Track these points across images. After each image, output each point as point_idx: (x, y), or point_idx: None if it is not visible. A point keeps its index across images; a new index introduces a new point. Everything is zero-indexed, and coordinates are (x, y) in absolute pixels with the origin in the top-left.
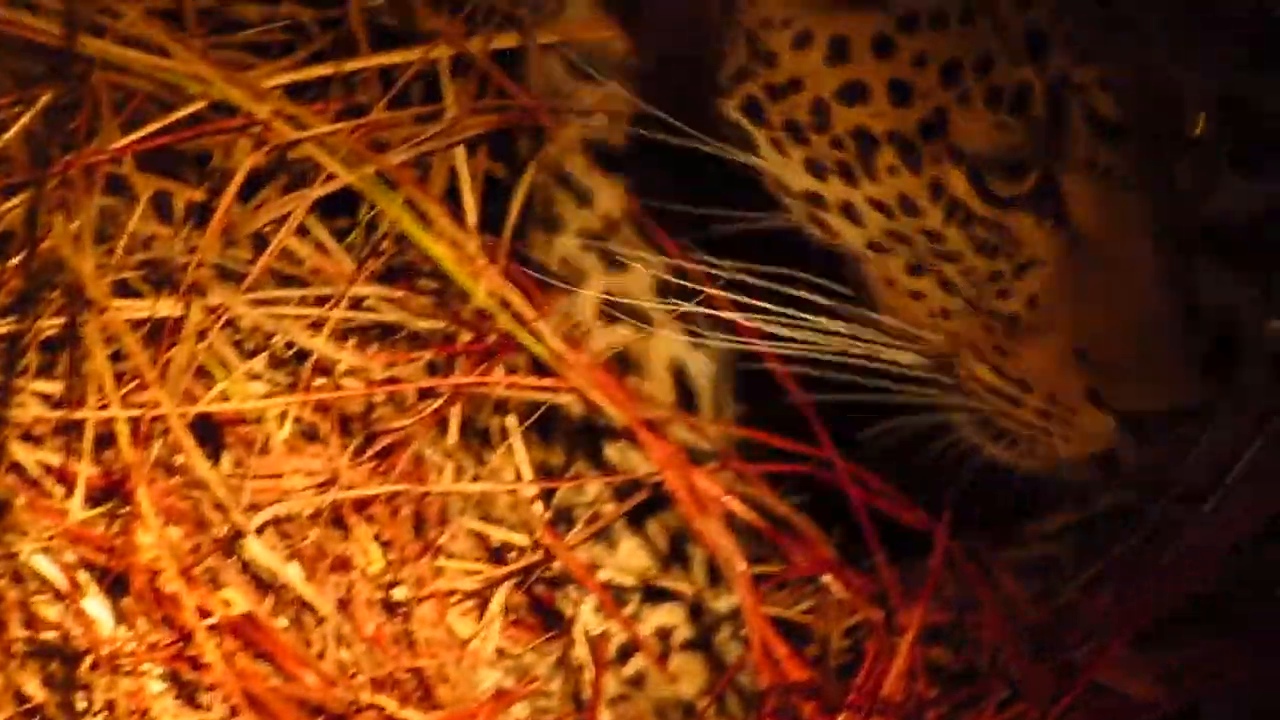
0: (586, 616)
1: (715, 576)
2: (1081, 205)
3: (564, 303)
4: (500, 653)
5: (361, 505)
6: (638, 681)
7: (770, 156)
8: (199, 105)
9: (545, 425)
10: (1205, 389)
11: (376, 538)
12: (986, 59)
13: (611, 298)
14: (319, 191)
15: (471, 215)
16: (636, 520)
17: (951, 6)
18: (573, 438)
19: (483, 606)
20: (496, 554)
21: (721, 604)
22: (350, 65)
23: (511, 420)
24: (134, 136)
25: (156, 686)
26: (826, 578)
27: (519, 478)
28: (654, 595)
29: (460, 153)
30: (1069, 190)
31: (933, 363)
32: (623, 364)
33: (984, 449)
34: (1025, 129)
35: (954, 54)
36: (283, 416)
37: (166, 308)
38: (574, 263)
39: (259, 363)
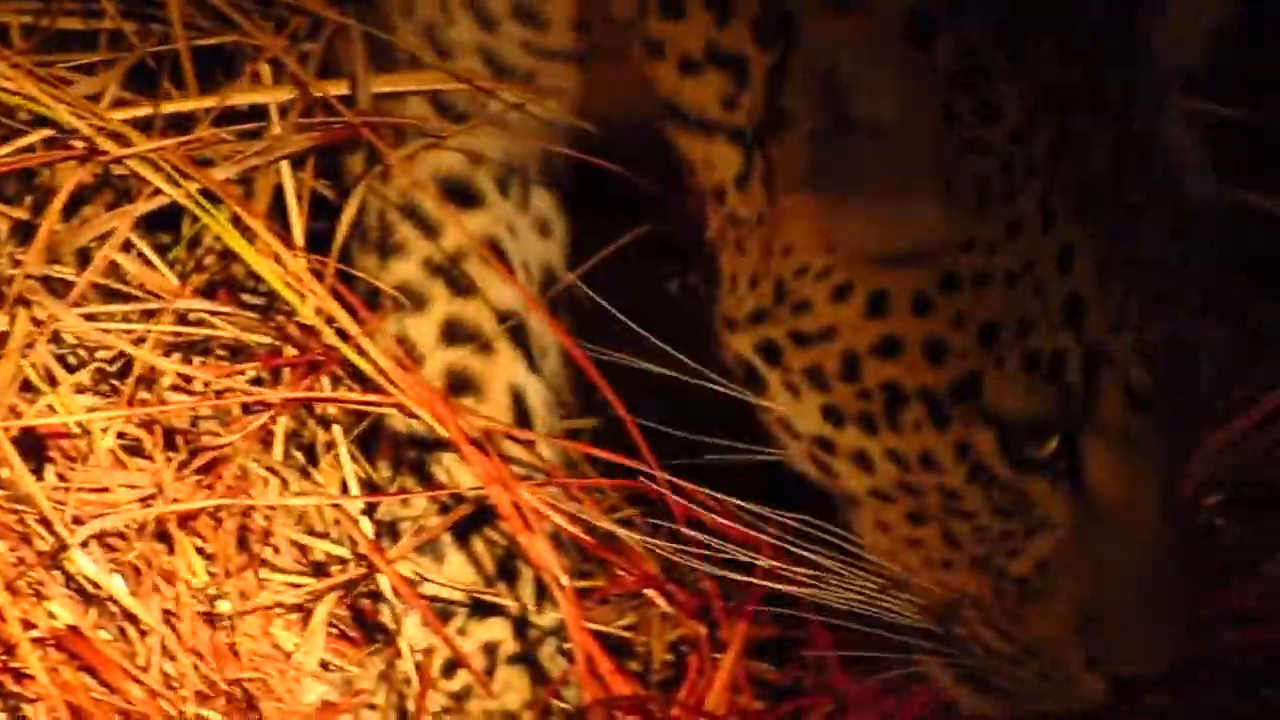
0: (411, 630)
1: (542, 591)
2: (1102, 471)
3: (393, 322)
4: (325, 665)
5: (186, 519)
6: (463, 695)
7: (781, 397)
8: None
9: (371, 440)
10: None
11: (200, 551)
12: (1025, 323)
13: (453, 321)
14: (144, 207)
15: (298, 231)
16: (464, 536)
17: (995, 267)
18: (399, 453)
19: (307, 619)
20: (320, 568)
21: (547, 619)
22: (182, 105)
23: (337, 433)
24: None
25: None
26: (650, 592)
27: (345, 491)
28: (480, 610)
29: (285, 168)
30: (1090, 455)
31: (928, 614)
32: (462, 385)
33: (954, 694)
34: (1058, 395)
35: (993, 316)
36: (107, 430)
37: None
38: (415, 287)
39: (84, 376)
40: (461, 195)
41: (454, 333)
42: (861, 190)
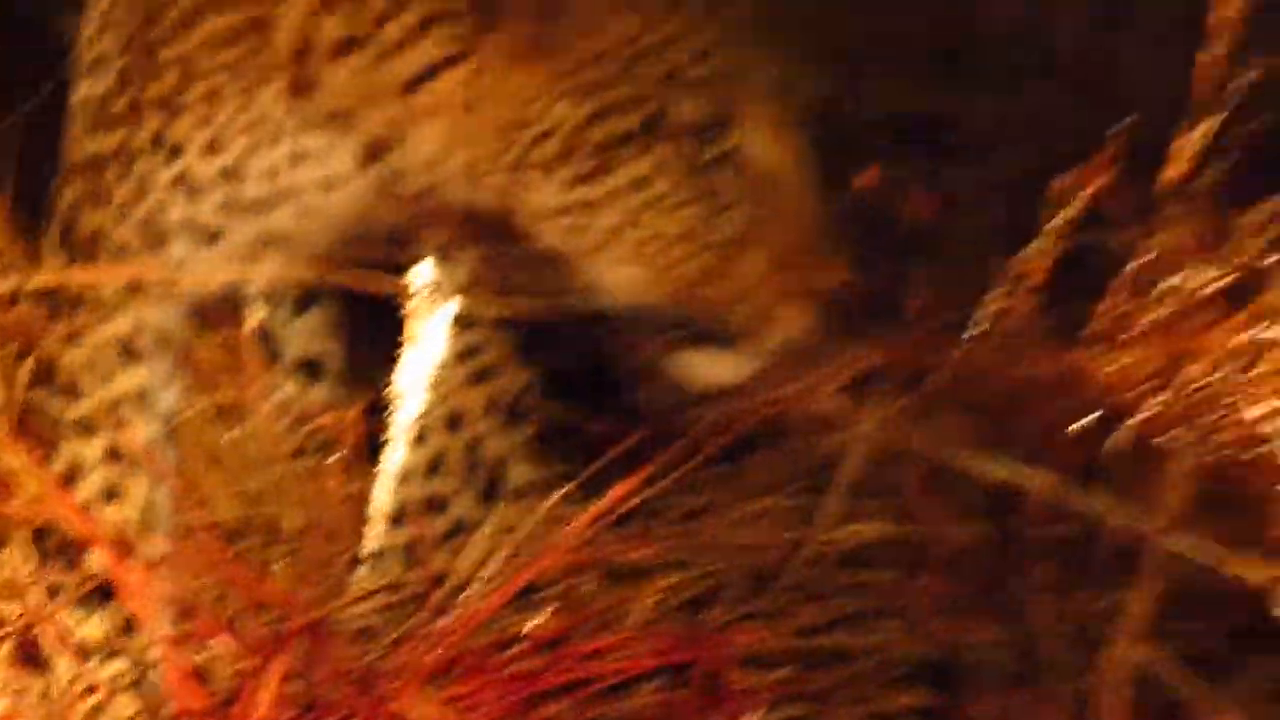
0: (63, 665)
1: (150, 638)
2: (761, 149)
3: (70, 446)
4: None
5: None
6: (97, 709)
7: (529, 192)
8: None
9: (39, 533)
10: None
11: None
12: (682, 66)
13: (111, 448)
14: None
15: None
16: (102, 601)
17: (652, 41)
18: (68, 544)
19: None
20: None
21: (153, 655)
22: None
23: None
24: None
25: None
26: (218, 638)
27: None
28: (111, 651)
29: None
30: (749, 141)
31: (669, 302)
32: (112, 495)
33: (685, 365)
34: (717, 102)
35: (662, 69)
36: None
37: None
38: (90, 421)
39: None
40: (128, 354)
41: (111, 455)
42: (564, 29)
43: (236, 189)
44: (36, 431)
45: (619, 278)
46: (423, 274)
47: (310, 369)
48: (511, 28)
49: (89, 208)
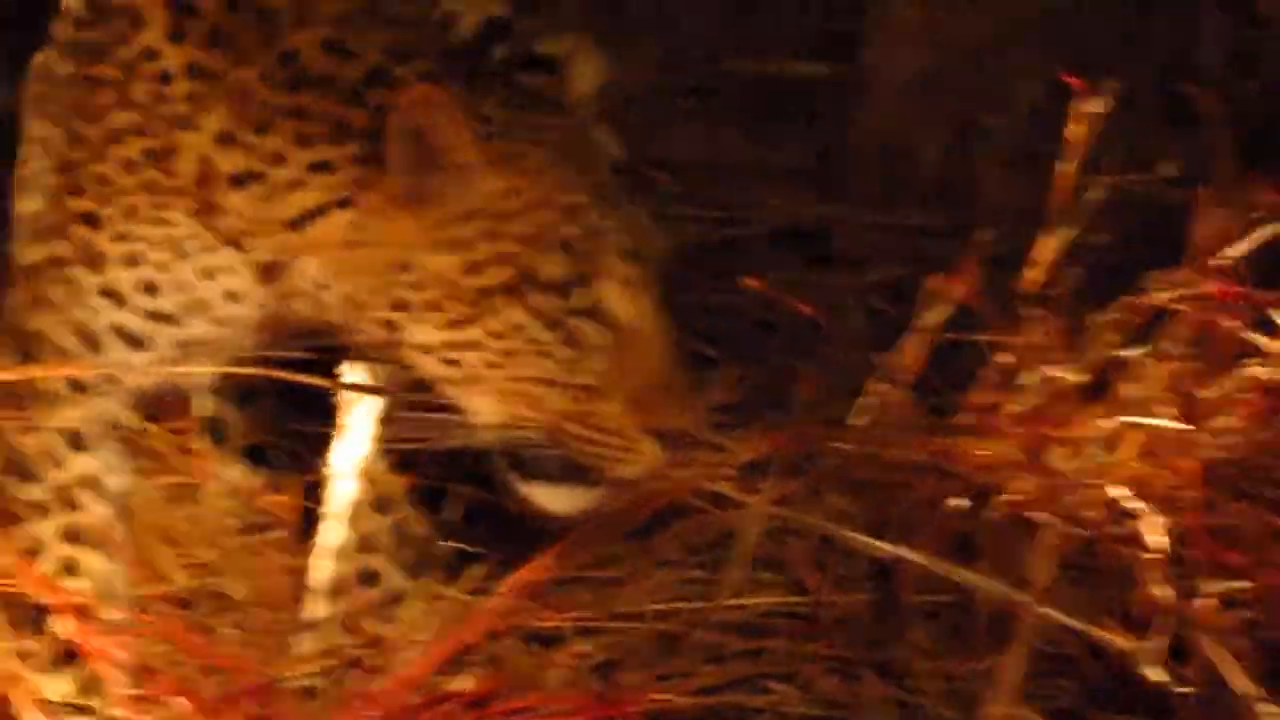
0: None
1: (112, 697)
2: (617, 304)
3: (28, 526)
4: None
5: None
6: None
7: (412, 330)
8: None
9: (7, 603)
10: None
11: None
12: (549, 225)
13: (68, 527)
14: None
15: None
16: (69, 661)
17: (522, 203)
18: (36, 614)
19: None
20: None
21: (115, 714)
22: None
23: None
24: None
25: None
26: (173, 698)
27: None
28: (76, 710)
29: None
30: (607, 296)
31: (538, 434)
32: (70, 569)
33: (529, 495)
34: (575, 261)
35: (530, 228)
36: None
37: None
38: (42, 503)
39: None
40: (76, 443)
41: (68, 534)
42: (439, 183)
43: (155, 300)
44: (2, 511)
45: (487, 408)
46: (350, 370)
47: (254, 454)
48: (391, 179)
49: (30, 311)
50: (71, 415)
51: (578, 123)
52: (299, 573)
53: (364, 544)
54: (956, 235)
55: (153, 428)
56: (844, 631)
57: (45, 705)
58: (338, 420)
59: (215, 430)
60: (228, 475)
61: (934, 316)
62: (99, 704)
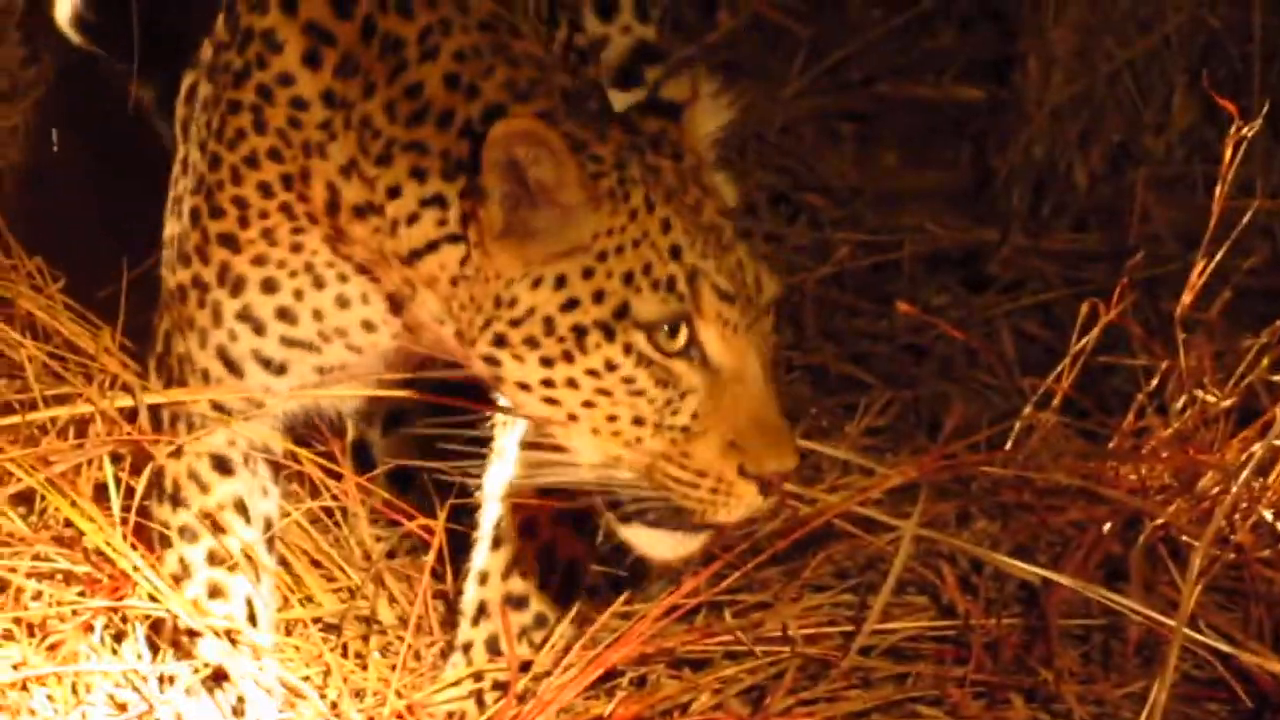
0: None
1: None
2: (716, 347)
3: (176, 550)
4: None
5: (43, 680)
6: None
7: (511, 366)
8: None
9: (154, 626)
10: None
11: (50, 696)
12: (647, 265)
13: (214, 551)
14: (10, 490)
15: (115, 501)
16: (215, 685)
17: (625, 239)
18: (176, 635)
19: None
20: (123, 706)
21: None
22: (31, 416)
23: (139, 628)
24: None
25: None
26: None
27: (138, 658)
28: None
29: (106, 461)
30: (705, 338)
31: (636, 475)
32: (216, 593)
33: (628, 538)
34: (676, 301)
35: (629, 267)
36: None
37: None
38: (192, 527)
39: None
40: (222, 466)
41: (213, 558)
42: (540, 218)
43: (291, 327)
44: (149, 536)
45: (587, 448)
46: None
47: (400, 479)
48: (493, 214)
49: (177, 335)
50: (217, 440)
51: (692, 166)
52: (446, 596)
53: (509, 568)
54: (1110, 258)
55: (301, 452)
56: (992, 655)
57: None
58: (489, 444)
59: (361, 454)
60: (376, 499)
61: (1087, 340)
62: None
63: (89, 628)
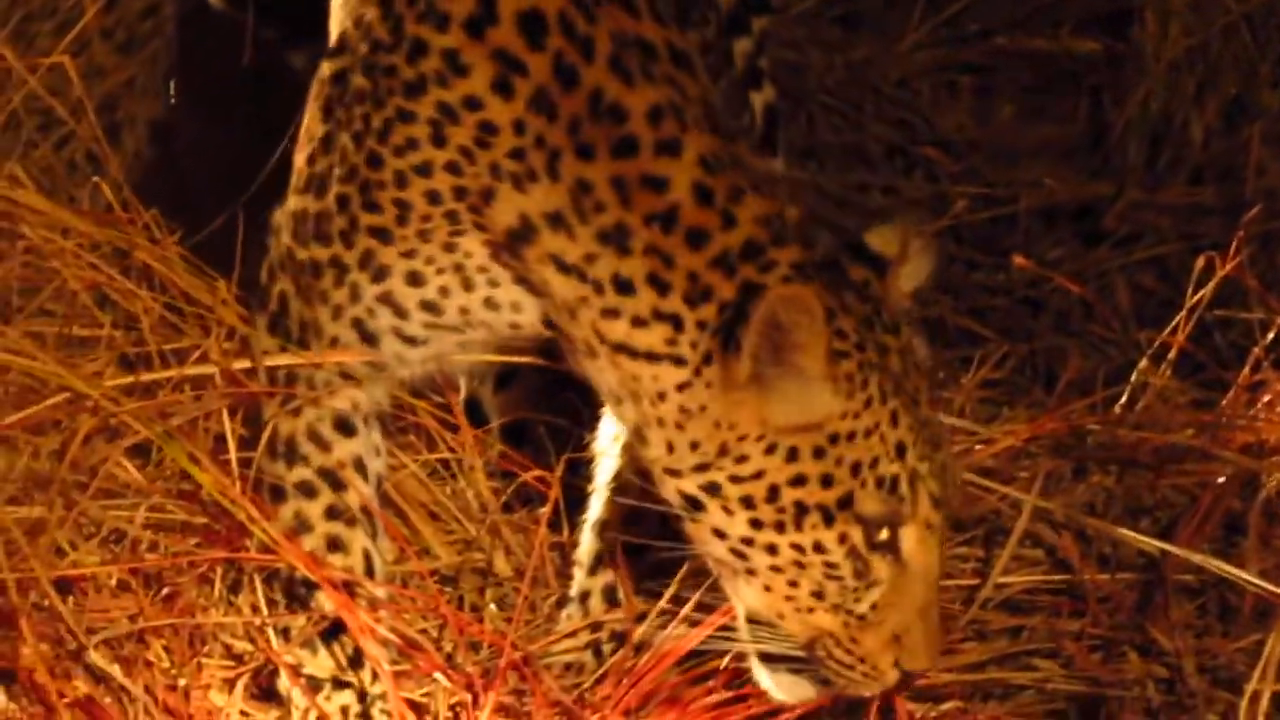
0: (296, 697)
1: (374, 672)
2: (913, 547)
3: (292, 505)
4: (245, 715)
5: (159, 630)
6: None
7: (716, 516)
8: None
9: (270, 578)
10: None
11: (166, 647)
12: (875, 459)
13: (333, 506)
14: (129, 442)
15: (233, 453)
16: (329, 639)
17: (858, 427)
18: (293, 588)
19: (231, 688)
20: (239, 658)
21: (377, 689)
22: (146, 376)
23: (258, 581)
24: (21, 416)
25: None
26: (436, 674)
27: (254, 609)
28: (339, 684)
29: (225, 415)
30: (906, 538)
31: (798, 642)
32: (335, 546)
33: (758, 674)
34: (896, 502)
35: (859, 456)
36: (112, 576)
37: (41, 511)
38: (310, 484)
39: (94, 543)
40: (344, 427)
41: (331, 514)
42: (786, 384)
43: (435, 317)
44: (259, 489)
45: (754, 601)
46: None
47: (514, 433)
48: (744, 364)
49: (298, 300)
50: (341, 401)
51: (906, 343)
52: (562, 548)
53: (632, 517)
54: (1225, 212)
55: (419, 404)
56: (1107, 609)
57: (309, 680)
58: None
59: (474, 410)
60: (491, 452)
61: (1203, 294)
62: (362, 679)
63: (205, 579)
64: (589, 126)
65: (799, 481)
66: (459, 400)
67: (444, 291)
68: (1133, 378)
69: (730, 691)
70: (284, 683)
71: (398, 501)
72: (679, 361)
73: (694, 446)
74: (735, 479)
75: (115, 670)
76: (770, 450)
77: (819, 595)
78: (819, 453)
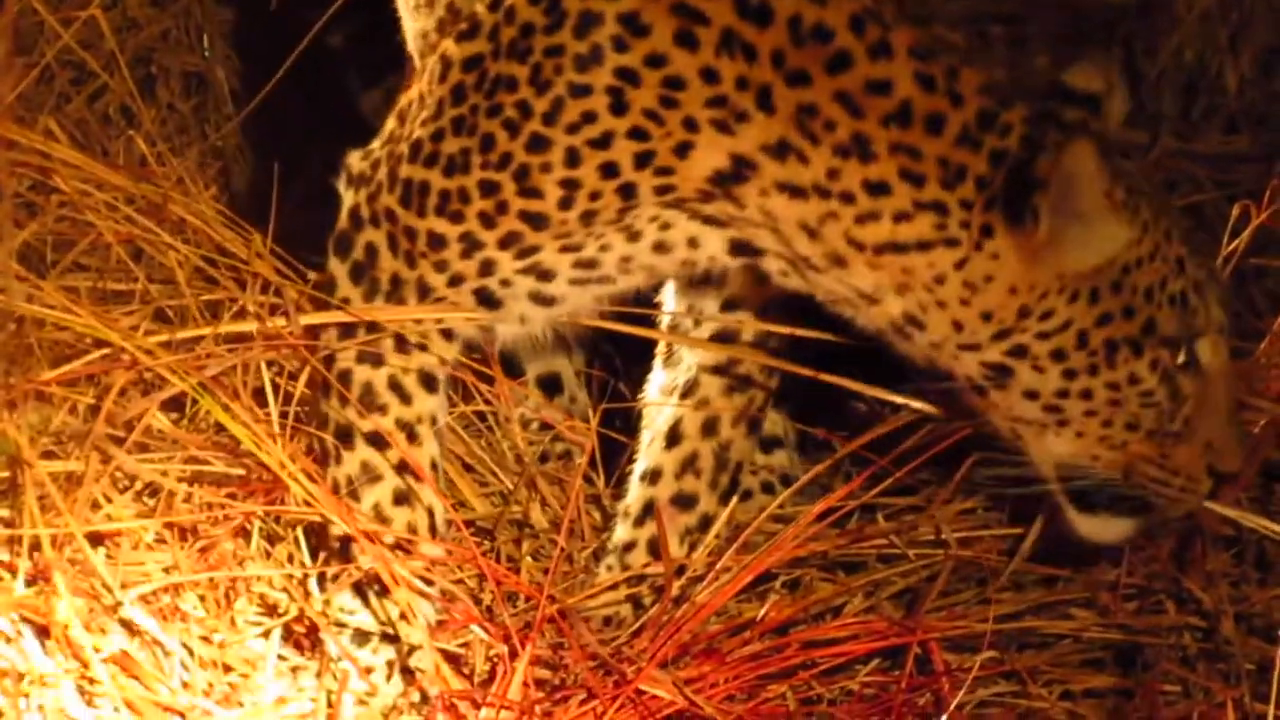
0: (335, 651)
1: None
2: (1209, 356)
3: (354, 460)
4: (283, 660)
5: (194, 584)
6: (371, 691)
7: (1027, 377)
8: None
9: (307, 529)
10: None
11: (202, 599)
12: (1164, 280)
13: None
14: (164, 395)
15: (274, 409)
16: (376, 590)
17: (1143, 252)
18: (328, 543)
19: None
20: (273, 609)
21: (416, 641)
22: (182, 334)
23: (299, 534)
24: (58, 373)
25: (68, 694)
26: (474, 626)
27: (290, 561)
28: (381, 638)
29: (263, 367)
30: (1202, 349)
31: (1113, 474)
32: (402, 499)
33: (1077, 523)
34: (1190, 316)
35: (1149, 281)
36: (146, 529)
37: (76, 465)
38: (383, 433)
39: (128, 497)
40: (429, 383)
41: (403, 467)
42: (1076, 232)
43: (589, 272)
44: (308, 441)
45: (1066, 448)
46: (675, 298)
47: (548, 385)
48: (1042, 230)
49: (397, 260)
50: (428, 358)
51: (1144, 167)
52: (598, 500)
53: (684, 467)
54: (1260, 160)
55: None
56: (1143, 558)
57: (354, 634)
58: (658, 346)
59: (509, 363)
60: (526, 405)
61: (1238, 241)
62: (402, 633)
63: (242, 531)
64: (795, 54)
65: (1105, 320)
66: (493, 353)
67: (605, 248)
68: None
69: (767, 643)
70: (326, 635)
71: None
72: (952, 243)
73: (987, 317)
74: (1042, 335)
75: (151, 623)
76: (1074, 299)
77: (1133, 427)
78: (1116, 287)
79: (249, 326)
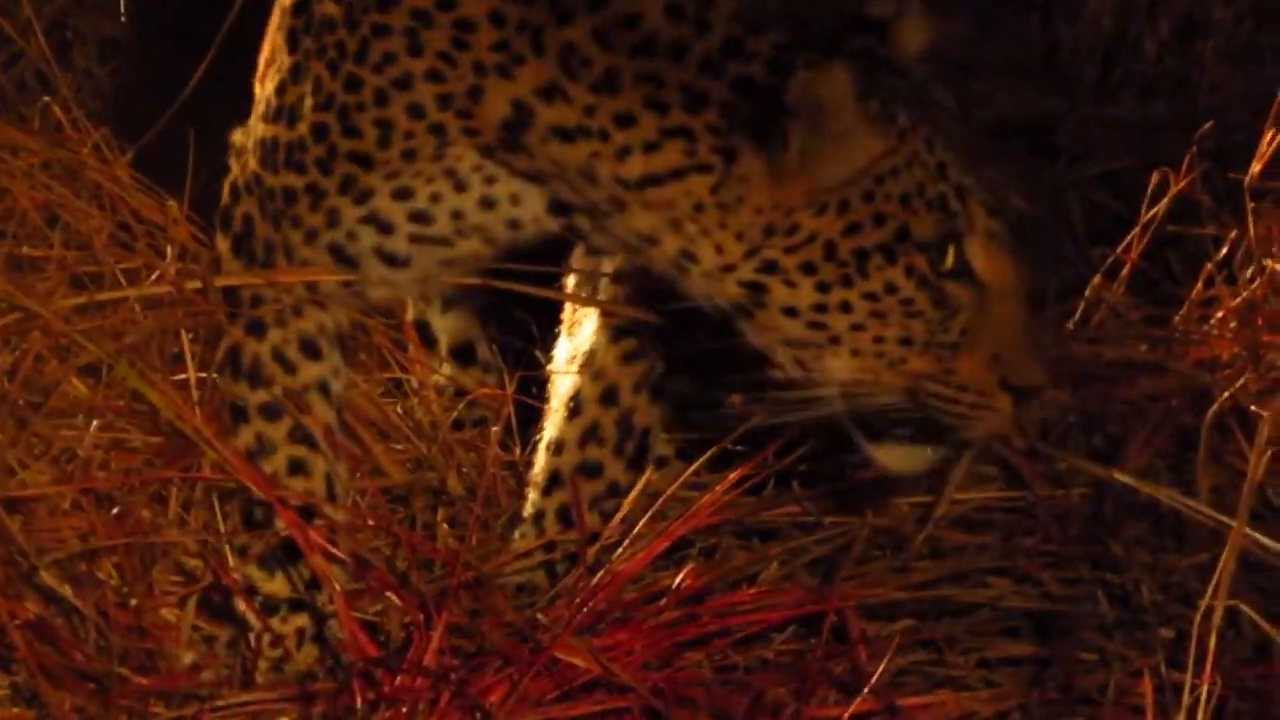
0: (250, 620)
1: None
2: (982, 262)
3: (254, 426)
4: (198, 628)
5: (111, 550)
6: (285, 658)
7: (780, 292)
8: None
9: (226, 498)
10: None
11: (118, 567)
12: (921, 185)
13: (295, 428)
14: (81, 360)
15: (192, 376)
16: (285, 562)
17: (899, 160)
18: (251, 510)
19: (183, 605)
20: (190, 577)
21: (330, 609)
22: (100, 296)
23: (215, 501)
24: None
25: None
26: (389, 594)
27: (206, 529)
28: (294, 606)
29: (184, 335)
30: (973, 254)
31: (899, 395)
32: (298, 469)
33: (877, 455)
34: (949, 219)
35: (905, 189)
36: (65, 496)
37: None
38: (273, 405)
39: (45, 462)
40: (311, 350)
41: (294, 436)
42: (826, 148)
43: (425, 227)
44: (216, 409)
45: (841, 369)
46: (576, 265)
47: (462, 353)
48: (791, 155)
49: (265, 222)
50: (307, 324)
51: (918, 81)
52: (514, 467)
53: (586, 436)
54: (1179, 128)
55: (370, 323)
56: (1060, 525)
57: (266, 601)
58: (562, 315)
59: (426, 331)
60: (440, 373)
61: (1156, 210)
62: (317, 601)
63: (159, 499)
64: None
65: (853, 230)
66: (408, 319)
67: (435, 198)
68: (1086, 293)
69: (682, 611)
70: (240, 603)
71: (349, 420)
72: (705, 169)
73: (740, 236)
74: (790, 249)
75: (66, 590)
76: (821, 211)
77: (907, 340)
78: (868, 197)
79: (165, 289)
